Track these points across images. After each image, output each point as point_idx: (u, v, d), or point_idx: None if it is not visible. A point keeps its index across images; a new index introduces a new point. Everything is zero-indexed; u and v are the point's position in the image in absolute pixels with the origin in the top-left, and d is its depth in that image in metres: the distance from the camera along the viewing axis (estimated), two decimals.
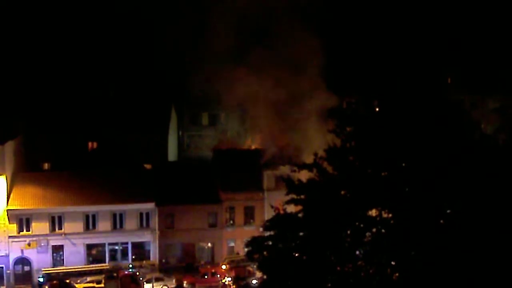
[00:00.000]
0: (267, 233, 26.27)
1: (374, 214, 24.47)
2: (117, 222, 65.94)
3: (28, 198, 63.88)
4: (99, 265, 64.48)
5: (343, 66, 70.18)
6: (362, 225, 24.30)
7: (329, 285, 24.34)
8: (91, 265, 64.47)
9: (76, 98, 78.32)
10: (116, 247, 66.12)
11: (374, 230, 24.21)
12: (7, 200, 63.02)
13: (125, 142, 73.28)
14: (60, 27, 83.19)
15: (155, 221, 66.53)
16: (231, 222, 69.52)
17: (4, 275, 62.74)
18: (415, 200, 23.49)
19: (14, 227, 63.04)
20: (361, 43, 79.11)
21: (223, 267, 64.85)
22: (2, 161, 62.66)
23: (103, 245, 65.82)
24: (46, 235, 63.85)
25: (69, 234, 64.36)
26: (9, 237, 62.97)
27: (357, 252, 24.44)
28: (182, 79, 77.89)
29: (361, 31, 79.44)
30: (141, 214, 66.39)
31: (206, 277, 63.68)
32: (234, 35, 69.65)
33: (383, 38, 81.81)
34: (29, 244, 63.40)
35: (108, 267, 64.10)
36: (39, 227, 63.59)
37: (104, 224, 65.41)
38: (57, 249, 64.60)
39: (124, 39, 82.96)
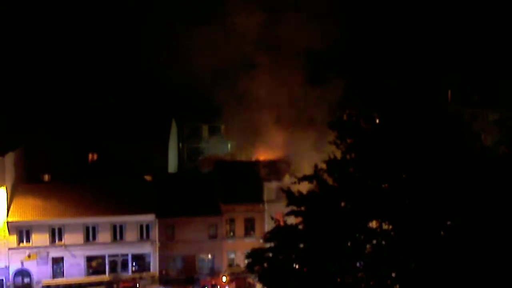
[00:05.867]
0: (267, 245, 26.30)
1: (374, 226, 24.49)
2: (117, 234, 65.82)
3: (28, 210, 63.81)
4: (99, 276, 64.38)
5: (343, 78, 70.28)
6: (362, 237, 24.32)
7: None
8: (91, 277, 64.36)
9: (77, 109, 78.48)
10: (116, 259, 65.97)
11: (374, 241, 24.23)
12: (7, 212, 62.97)
13: (126, 153, 73.35)
14: (60, 37, 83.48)
15: (155, 233, 66.43)
16: (232, 233, 69.41)
17: (4, 287, 62.59)
18: (415, 212, 23.51)
19: (14, 238, 62.90)
20: (361, 55, 79.31)
21: (224, 279, 64.74)
22: (2, 173, 62.62)
23: (103, 256, 65.64)
24: (46, 246, 63.72)
25: (69, 245, 64.25)
26: (9, 248, 62.82)
27: (358, 264, 24.43)
28: (182, 91, 78.11)
29: (360, 43, 79.66)
30: (141, 225, 66.28)
31: None
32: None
33: (383, 50, 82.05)
34: (29, 256, 63.24)
35: (108, 279, 64.02)
36: (39, 238, 63.47)
37: (104, 236, 65.31)
38: (57, 261, 64.41)
39: (125, 50, 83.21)
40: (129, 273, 65.61)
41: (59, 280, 63.42)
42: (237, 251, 68.36)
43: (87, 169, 74.91)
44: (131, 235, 65.94)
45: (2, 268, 62.56)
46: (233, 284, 63.55)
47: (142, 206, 66.29)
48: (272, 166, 70.06)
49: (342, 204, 24.86)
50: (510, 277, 21.76)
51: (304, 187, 25.67)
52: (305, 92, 71.88)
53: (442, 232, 23.92)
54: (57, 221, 64.01)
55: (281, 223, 26.17)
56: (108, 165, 73.55)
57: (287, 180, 59.46)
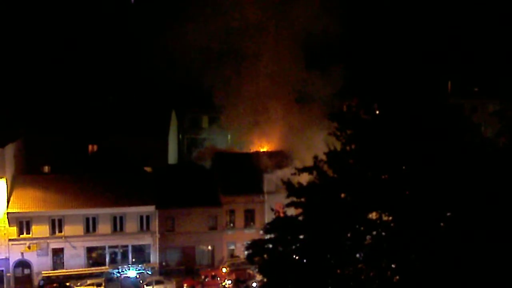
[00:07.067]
0: (267, 236, 26.28)
1: (374, 217, 24.47)
2: (117, 225, 65.92)
3: (28, 201, 63.88)
4: (99, 268, 64.48)
5: (344, 69, 70.22)
6: (362, 228, 24.29)
7: None
8: (91, 268, 64.47)
9: (77, 101, 78.44)
10: (116, 250, 66.09)
11: (374, 233, 24.21)
12: (7, 203, 63.02)
13: (126, 145, 73.37)
14: (61, 31, 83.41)
15: (155, 224, 66.53)
16: (231, 225, 69.52)
17: (4, 278, 62.70)
18: (415, 203, 23.50)
19: (14, 230, 63.01)
20: (361, 46, 79.22)
21: (224, 270, 64.84)
22: (3, 164, 62.64)
23: (103, 248, 65.80)
24: (46, 238, 63.84)
25: (69, 237, 64.35)
26: (9, 240, 62.94)
27: (357, 255, 24.43)
28: (182, 82, 78.00)
29: (361, 34, 79.55)
30: (141, 217, 66.36)
31: (206, 280, 63.66)
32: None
33: (383, 42, 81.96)
34: (29, 247, 63.35)
35: (108, 270, 64.10)
36: (39, 230, 63.57)
37: (104, 227, 65.39)
38: (57, 252, 64.55)
39: (124, 43, 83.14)
40: (129, 264, 65.65)
41: (59, 271, 63.50)
42: (237, 242, 68.48)
43: (87, 160, 74.97)
44: (131, 226, 66.03)
45: (2, 259, 62.67)
46: (233, 275, 63.62)
47: (142, 197, 66.37)
48: (277, 157, 69.90)
49: (342, 195, 24.83)
50: (510, 269, 21.78)
51: (304, 178, 25.65)
52: (306, 80, 71.90)
53: (441, 224, 23.93)
54: (57, 212, 64.09)
55: (281, 215, 26.14)
56: (108, 156, 73.57)
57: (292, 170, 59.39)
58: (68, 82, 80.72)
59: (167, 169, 73.53)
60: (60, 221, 64.34)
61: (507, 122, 26.70)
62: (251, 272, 61.84)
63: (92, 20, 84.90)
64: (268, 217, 59.61)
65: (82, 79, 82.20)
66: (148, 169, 69.87)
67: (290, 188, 25.41)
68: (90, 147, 77.90)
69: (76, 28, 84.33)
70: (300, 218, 25.32)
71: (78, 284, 61.48)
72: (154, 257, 66.63)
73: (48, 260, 64.08)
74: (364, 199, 24.15)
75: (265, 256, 25.57)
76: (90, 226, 65.30)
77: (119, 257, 66.08)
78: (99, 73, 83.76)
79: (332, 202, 24.59)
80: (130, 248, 66.30)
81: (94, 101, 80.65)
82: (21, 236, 63.37)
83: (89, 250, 65.57)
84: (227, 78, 72.51)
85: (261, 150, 75.59)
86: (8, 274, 62.91)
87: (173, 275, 65.17)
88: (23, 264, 63.76)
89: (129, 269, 63.95)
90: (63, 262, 64.60)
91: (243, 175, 70.02)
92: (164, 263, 66.91)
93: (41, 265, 63.59)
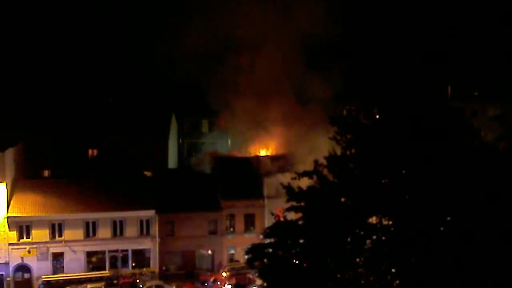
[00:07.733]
0: (267, 241, 26.27)
1: (374, 221, 24.47)
2: (117, 230, 65.87)
3: (28, 205, 63.82)
4: (99, 272, 64.40)
5: (344, 73, 70.20)
6: (362, 232, 24.29)
7: None
8: (91, 273, 64.38)
9: (77, 105, 78.43)
10: (116, 255, 66.03)
11: (374, 237, 24.20)
12: (7, 207, 62.97)
13: (126, 149, 73.33)
14: (60, 34, 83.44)
15: (155, 229, 66.47)
16: (232, 229, 69.44)
17: (4, 282, 62.63)
18: (415, 207, 23.49)
19: (14, 234, 62.95)
20: (361, 50, 79.21)
21: (224, 274, 64.77)
22: (2, 168, 62.61)
23: (103, 252, 65.73)
24: (46, 242, 63.76)
25: (69, 241, 64.29)
26: (9, 244, 62.87)
27: (357, 259, 24.42)
28: (182, 83, 78.05)
29: (361, 38, 79.57)
30: (141, 221, 66.33)
31: (206, 284, 63.58)
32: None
33: (383, 45, 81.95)
34: (29, 252, 63.30)
35: (108, 274, 64.05)
36: (39, 234, 63.50)
37: (104, 232, 65.34)
38: (57, 257, 64.48)
39: (124, 46, 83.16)
40: (129, 269, 65.68)
41: (59, 276, 63.41)
42: (237, 246, 68.43)
43: (87, 165, 74.92)
44: (131, 230, 65.98)
45: (2, 264, 62.60)
46: (233, 280, 63.55)
47: (142, 201, 66.33)
48: (278, 161, 69.77)
49: (342, 199, 24.83)
50: (510, 272, 21.76)
51: (304, 183, 25.64)
52: (307, 82, 71.93)
53: (441, 228, 23.91)
54: (57, 216, 64.05)
55: (281, 219, 26.14)
56: (108, 161, 73.57)
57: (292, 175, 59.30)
58: (67, 83, 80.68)
59: (167, 173, 73.51)
60: (60, 225, 64.31)
61: (507, 126, 26.68)
62: (251, 276, 61.77)
63: (92, 20, 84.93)
64: (268, 221, 59.63)
65: (82, 80, 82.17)
66: (148, 173, 69.89)
67: (290, 192, 25.40)
68: (90, 151, 77.87)
69: (75, 28, 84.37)
70: (300, 222, 25.32)
71: None
72: (154, 262, 66.56)
73: (48, 264, 63.98)
74: (364, 203, 24.15)
75: (265, 260, 25.56)
76: (90, 230, 65.24)
77: (119, 261, 66.03)
78: (99, 74, 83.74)
79: (332, 206, 24.59)
80: (130, 253, 66.27)
81: (94, 102, 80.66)
82: (21, 240, 63.31)
83: (89, 254, 65.50)
84: (226, 80, 72.45)
85: (262, 154, 75.55)
86: (8, 279, 62.84)
87: (173, 280, 65.09)
88: (23, 268, 63.67)
89: None
90: (63, 267, 64.50)
91: (243, 179, 70.00)
92: (164, 268, 66.83)
93: (41, 269, 63.46)
